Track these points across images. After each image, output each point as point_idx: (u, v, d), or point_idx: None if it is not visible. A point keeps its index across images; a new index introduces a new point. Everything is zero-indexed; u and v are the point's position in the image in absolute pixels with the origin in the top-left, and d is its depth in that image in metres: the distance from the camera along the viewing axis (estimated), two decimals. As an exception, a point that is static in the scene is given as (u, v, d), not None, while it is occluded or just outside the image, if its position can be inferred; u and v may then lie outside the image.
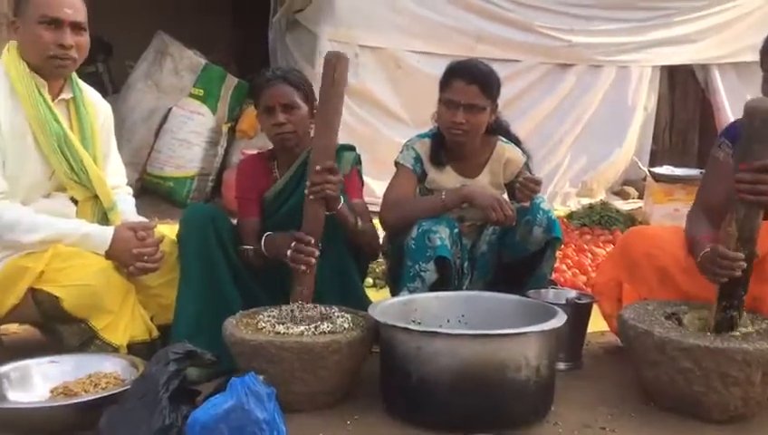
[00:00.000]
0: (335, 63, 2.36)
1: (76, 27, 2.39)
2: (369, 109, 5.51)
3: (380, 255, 2.90)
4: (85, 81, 2.65)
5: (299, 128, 2.58)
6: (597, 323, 2.75)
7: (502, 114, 2.91)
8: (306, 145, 2.63)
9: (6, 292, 2.29)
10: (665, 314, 2.29)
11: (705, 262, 2.23)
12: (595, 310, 2.68)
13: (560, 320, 2.15)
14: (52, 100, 2.44)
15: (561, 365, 2.48)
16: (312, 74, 5.06)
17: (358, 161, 2.76)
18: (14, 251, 2.31)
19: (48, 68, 2.40)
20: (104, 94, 2.72)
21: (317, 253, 2.33)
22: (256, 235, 2.60)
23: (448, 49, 5.46)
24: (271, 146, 2.73)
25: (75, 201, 2.51)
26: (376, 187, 4.77)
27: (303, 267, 2.32)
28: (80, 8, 2.42)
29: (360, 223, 2.53)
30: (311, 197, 2.34)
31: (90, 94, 2.63)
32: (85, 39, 2.44)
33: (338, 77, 2.35)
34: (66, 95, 2.51)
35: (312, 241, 2.32)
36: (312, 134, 2.62)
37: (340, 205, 2.43)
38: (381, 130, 5.50)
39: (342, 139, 2.58)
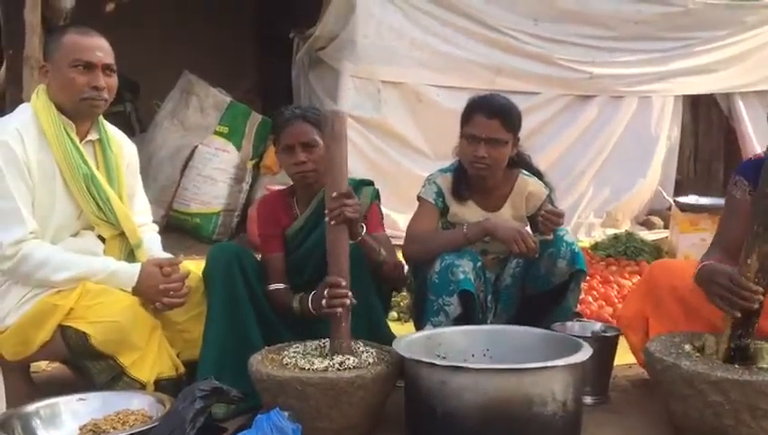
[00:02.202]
0: (333, 120, 2.38)
1: (107, 69, 2.46)
2: (390, 143, 5.55)
3: (405, 288, 2.90)
4: (113, 120, 2.71)
5: (318, 165, 2.61)
6: (623, 357, 2.72)
7: (523, 147, 2.92)
8: (325, 181, 2.66)
9: (37, 329, 2.33)
10: (692, 347, 2.27)
11: (711, 280, 2.21)
12: (622, 343, 2.66)
13: (586, 353, 2.13)
14: (80, 141, 2.50)
15: (588, 399, 2.46)
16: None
17: (377, 196, 2.78)
18: (44, 289, 2.36)
19: (81, 110, 2.46)
20: (132, 134, 2.79)
21: (349, 293, 2.31)
22: (282, 271, 2.64)
23: (468, 82, 5.50)
24: (292, 182, 2.77)
25: (103, 239, 2.56)
26: (398, 219, 4.79)
27: (340, 309, 2.29)
28: (109, 51, 2.49)
29: (383, 252, 2.54)
30: (332, 223, 2.34)
31: (116, 135, 2.68)
32: (114, 80, 2.50)
33: (337, 131, 2.37)
34: (93, 136, 2.56)
35: (343, 283, 2.31)
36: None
37: (363, 232, 2.45)
38: (403, 164, 5.53)
39: (364, 172, 2.62)
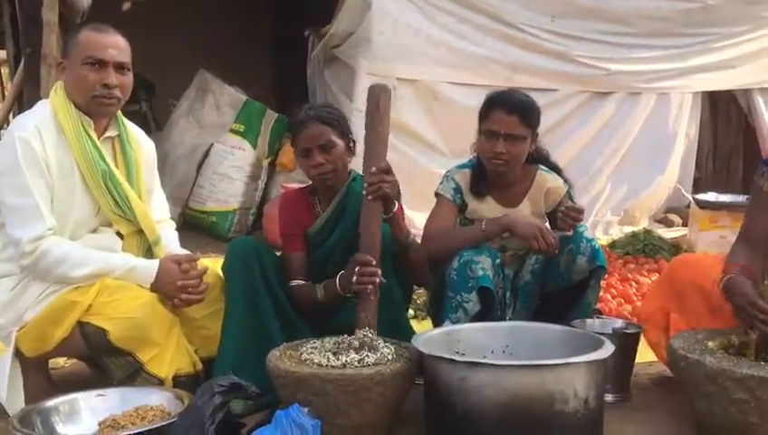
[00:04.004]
0: (379, 94, 2.43)
1: (120, 67, 2.45)
2: (406, 141, 5.53)
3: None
4: (129, 119, 2.71)
5: (337, 165, 2.60)
6: (644, 354, 2.69)
7: (542, 142, 2.90)
8: (345, 178, 2.66)
9: (55, 325, 2.33)
10: (715, 344, 2.24)
11: (734, 301, 2.23)
12: (643, 340, 2.63)
13: (607, 350, 2.11)
14: (98, 138, 2.50)
15: (610, 397, 2.43)
16: (349, 108, 5.13)
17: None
18: (63, 285, 2.36)
19: (93, 107, 2.46)
20: (147, 132, 2.79)
21: (380, 271, 2.34)
22: (305, 270, 2.63)
23: (485, 80, 5.47)
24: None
25: (121, 236, 2.55)
26: (415, 218, 4.77)
27: (370, 287, 2.33)
28: (124, 49, 2.48)
29: (411, 235, 2.55)
30: (369, 197, 2.36)
31: (134, 132, 2.68)
32: (128, 79, 2.49)
33: (382, 108, 2.41)
34: (111, 133, 2.56)
35: (373, 261, 2.34)
36: (350, 166, 2.67)
37: (395, 208, 2.45)
38: (419, 162, 5.51)
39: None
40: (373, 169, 2.36)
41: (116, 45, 2.45)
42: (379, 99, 2.41)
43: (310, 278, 2.63)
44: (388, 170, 2.38)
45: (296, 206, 2.75)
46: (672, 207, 6.38)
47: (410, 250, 2.55)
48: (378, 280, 2.33)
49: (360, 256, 2.35)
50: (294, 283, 2.61)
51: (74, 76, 2.44)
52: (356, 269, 2.34)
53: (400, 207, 2.69)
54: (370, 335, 2.29)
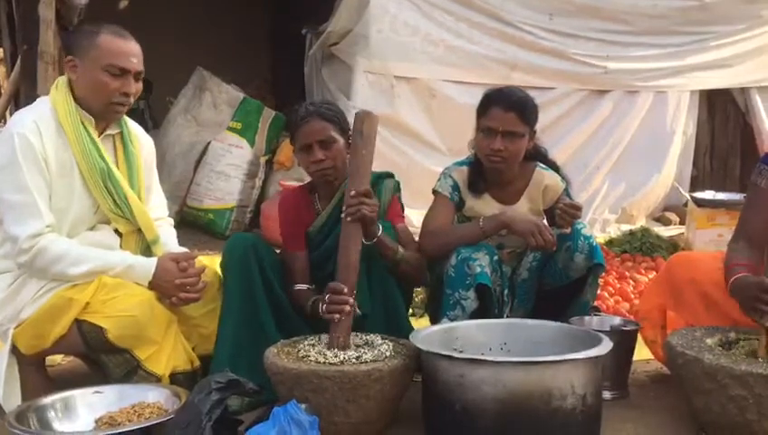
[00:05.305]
0: (364, 120, 2.42)
1: (137, 75, 2.45)
2: (404, 138, 5.54)
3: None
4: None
5: (337, 162, 2.59)
6: (641, 352, 2.69)
7: (540, 140, 2.90)
8: (345, 175, 2.65)
9: (53, 323, 2.32)
10: (713, 341, 2.24)
11: (744, 295, 2.20)
12: (640, 338, 2.63)
13: (605, 347, 2.11)
14: (99, 135, 2.48)
15: (607, 394, 2.44)
16: (347, 106, 5.12)
17: (398, 188, 2.76)
18: (60, 283, 2.35)
19: (106, 112, 2.45)
20: (145, 130, 2.78)
21: (351, 300, 2.29)
22: (306, 270, 2.63)
23: (483, 78, 5.47)
24: (309, 178, 2.75)
25: (119, 233, 2.55)
26: (412, 215, 4.77)
27: (337, 316, 2.27)
28: (141, 56, 2.46)
29: (400, 251, 2.52)
30: (348, 219, 2.34)
31: (135, 129, 2.67)
32: (141, 85, 2.49)
33: (366, 132, 2.40)
34: (112, 131, 2.55)
35: (345, 289, 2.29)
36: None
37: (380, 232, 2.43)
38: (417, 160, 5.51)
39: (377, 168, 2.60)
40: (353, 192, 2.34)
41: (137, 54, 2.45)
42: (363, 123, 2.40)
43: (312, 276, 2.63)
44: (367, 194, 2.35)
45: (296, 204, 2.74)
46: (669, 206, 6.39)
47: (403, 263, 2.54)
48: (348, 308, 2.27)
49: (331, 283, 2.31)
50: (297, 287, 2.60)
51: (91, 80, 2.41)
52: (326, 297, 2.30)
53: (397, 207, 2.69)
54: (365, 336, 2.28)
